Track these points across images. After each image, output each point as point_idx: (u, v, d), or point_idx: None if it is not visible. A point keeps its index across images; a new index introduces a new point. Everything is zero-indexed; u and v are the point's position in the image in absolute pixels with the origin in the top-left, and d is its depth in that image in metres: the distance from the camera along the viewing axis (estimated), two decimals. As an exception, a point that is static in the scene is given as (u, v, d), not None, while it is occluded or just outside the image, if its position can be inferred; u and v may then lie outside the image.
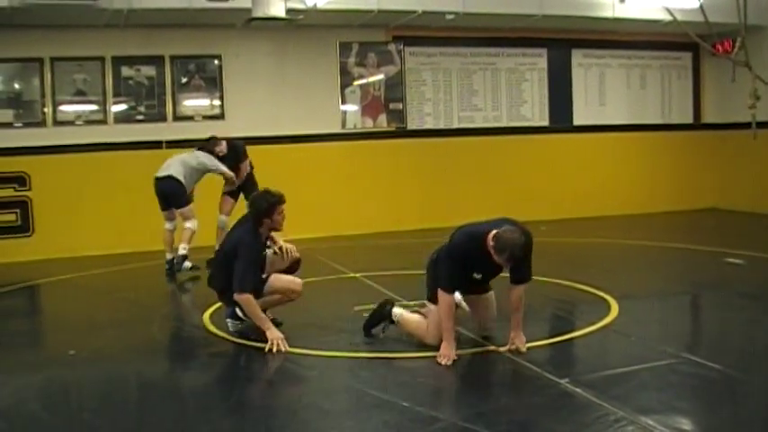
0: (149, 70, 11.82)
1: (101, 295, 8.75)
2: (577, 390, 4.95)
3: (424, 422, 4.51)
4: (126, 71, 11.68)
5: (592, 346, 6.22)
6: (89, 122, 11.57)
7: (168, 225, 9.79)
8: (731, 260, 9.24)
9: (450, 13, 11.84)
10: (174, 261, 9.52)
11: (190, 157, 9.83)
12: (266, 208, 6.51)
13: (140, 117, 11.78)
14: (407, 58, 13.08)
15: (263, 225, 6.54)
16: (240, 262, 6.36)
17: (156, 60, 11.80)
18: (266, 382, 5.63)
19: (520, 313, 5.93)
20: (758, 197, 13.72)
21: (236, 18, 11.22)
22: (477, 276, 6.02)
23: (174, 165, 9.68)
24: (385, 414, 4.72)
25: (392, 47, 12.98)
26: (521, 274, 5.88)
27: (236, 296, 6.36)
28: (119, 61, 11.62)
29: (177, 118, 11.93)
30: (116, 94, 11.66)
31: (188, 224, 9.62)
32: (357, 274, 9.21)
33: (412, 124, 13.16)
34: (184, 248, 9.49)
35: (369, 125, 12.88)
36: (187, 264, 9.48)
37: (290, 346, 6.13)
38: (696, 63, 15.04)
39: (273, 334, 6.20)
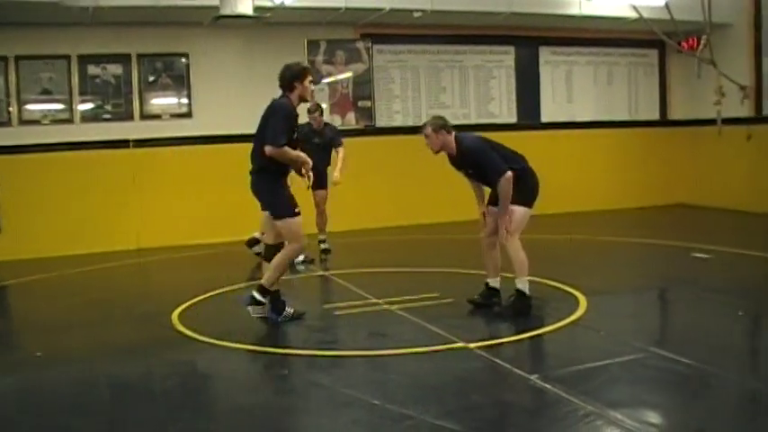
0: (116, 69, 11.72)
1: (70, 296, 8.67)
2: (547, 385, 4.97)
3: (394, 420, 4.51)
4: (92, 69, 11.59)
5: (561, 341, 6.24)
6: (55, 122, 11.47)
7: None
8: (698, 255, 9.33)
9: (418, 10, 11.84)
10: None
11: None
12: (297, 72, 6.83)
13: (107, 116, 11.68)
14: (375, 56, 13.09)
15: (294, 91, 6.79)
16: (273, 120, 6.60)
17: (123, 59, 11.71)
18: (236, 381, 5.60)
19: (501, 203, 6.75)
20: (724, 192, 13.85)
21: (204, 16, 11.16)
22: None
23: None
24: (355, 412, 4.72)
25: (360, 44, 12.97)
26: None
27: (270, 150, 6.50)
28: (85, 60, 11.51)
29: (144, 117, 11.85)
30: (82, 93, 11.56)
31: None
32: (326, 272, 9.20)
33: (380, 122, 13.17)
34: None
35: (337, 123, 12.82)
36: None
37: (257, 345, 6.13)
38: (662, 60, 15.17)
39: (308, 165, 6.76)
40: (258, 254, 10.20)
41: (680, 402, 4.86)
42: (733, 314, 6.95)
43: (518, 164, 6.91)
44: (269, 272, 6.75)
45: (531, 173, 7.00)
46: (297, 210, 6.71)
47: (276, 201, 6.75)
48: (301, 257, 9.86)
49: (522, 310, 6.79)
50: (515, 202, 6.78)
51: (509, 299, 6.91)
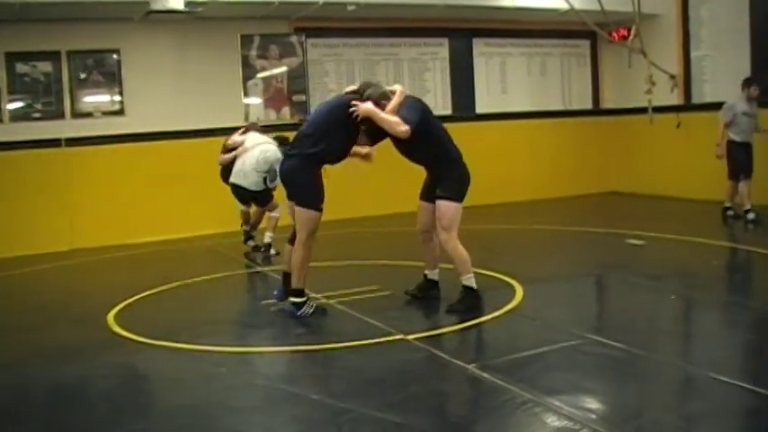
0: (46, 66, 11.50)
1: (1, 300, 8.51)
2: (485, 374, 5.01)
3: (334, 414, 4.51)
4: (21, 67, 11.34)
5: (499, 330, 6.29)
6: (-16, 121, 11.23)
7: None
8: (632, 241, 9.48)
9: (352, 3, 11.83)
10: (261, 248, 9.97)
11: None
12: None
13: (37, 115, 11.45)
14: (310, 50, 13.03)
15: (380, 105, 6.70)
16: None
17: (53, 56, 11.48)
18: (174, 381, 5.54)
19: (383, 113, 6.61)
20: (655, 180, 14.11)
21: (135, 11, 11.02)
22: None
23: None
24: (295, 408, 4.71)
25: (294, 38, 12.91)
26: None
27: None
28: (13, 57, 11.26)
29: (76, 115, 11.64)
30: (11, 92, 11.30)
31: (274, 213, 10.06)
32: (264, 269, 9.16)
33: (316, 116, 13.10)
34: (270, 237, 9.97)
35: (272, 118, 12.79)
36: (272, 251, 9.89)
37: (194, 344, 6.08)
38: (594, 51, 15.38)
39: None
40: (255, 246, 10.11)
41: (616, 387, 4.93)
42: (666, 299, 7.09)
43: (452, 154, 6.89)
44: (293, 274, 6.78)
45: (464, 168, 6.92)
46: (322, 206, 6.73)
47: (312, 190, 6.71)
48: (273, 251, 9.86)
49: (472, 306, 6.70)
50: (445, 197, 6.71)
51: (459, 296, 6.86)
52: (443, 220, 6.71)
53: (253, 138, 10.07)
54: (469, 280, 6.73)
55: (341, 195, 12.84)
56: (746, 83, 10.80)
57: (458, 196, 6.77)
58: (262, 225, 10.22)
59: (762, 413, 4.38)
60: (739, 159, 10.72)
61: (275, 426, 4.54)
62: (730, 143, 10.78)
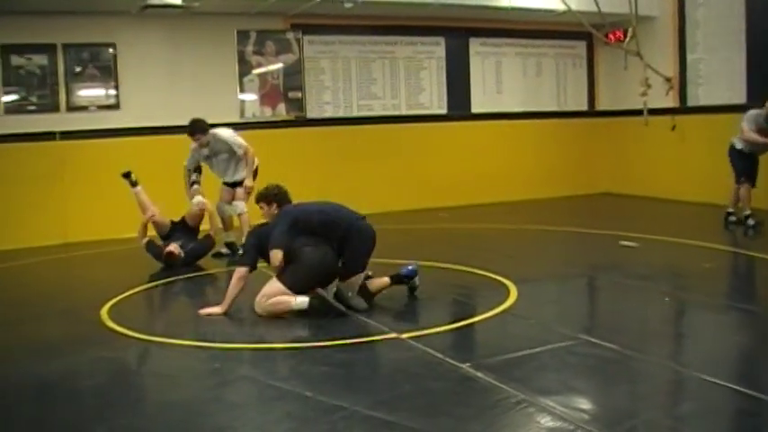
0: (41, 59, 11.45)
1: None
2: (478, 374, 5.01)
3: (326, 411, 4.51)
4: (16, 60, 11.30)
5: (492, 330, 6.30)
6: (-22, 114, 11.19)
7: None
8: (625, 243, 9.49)
9: (349, 1, 11.81)
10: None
11: None
12: None
13: (32, 108, 11.42)
14: (306, 47, 13.02)
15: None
16: None
17: (48, 49, 11.44)
18: (166, 377, 5.53)
19: None
20: (649, 181, 14.13)
21: (131, 5, 10.99)
22: None
23: None
24: (287, 405, 4.70)
25: (290, 35, 12.89)
26: None
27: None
28: (8, 50, 11.22)
29: (71, 108, 11.61)
30: (6, 84, 11.26)
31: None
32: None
33: (311, 113, 13.11)
34: None
35: (268, 114, 12.78)
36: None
37: (187, 340, 6.07)
38: (590, 52, 15.38)
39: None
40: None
41: (608, 388, 4.93)
42: (659, 301, 7.10)
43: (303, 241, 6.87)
44: None
45: (311, 260, 6.78)
46: None
47: None
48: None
49: None
50: (281, 279, 6.69)
51: None
52: (266, 289, 6.69)
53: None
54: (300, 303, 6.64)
55: (333, 193, 12.90)
56: None
57: (291, 284, 6.67)
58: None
59: (752, 414, 4.39)
60: (745, 166, 10.54)
61: (268, 422, 4.53)
62: (736, 151, 10.61)
